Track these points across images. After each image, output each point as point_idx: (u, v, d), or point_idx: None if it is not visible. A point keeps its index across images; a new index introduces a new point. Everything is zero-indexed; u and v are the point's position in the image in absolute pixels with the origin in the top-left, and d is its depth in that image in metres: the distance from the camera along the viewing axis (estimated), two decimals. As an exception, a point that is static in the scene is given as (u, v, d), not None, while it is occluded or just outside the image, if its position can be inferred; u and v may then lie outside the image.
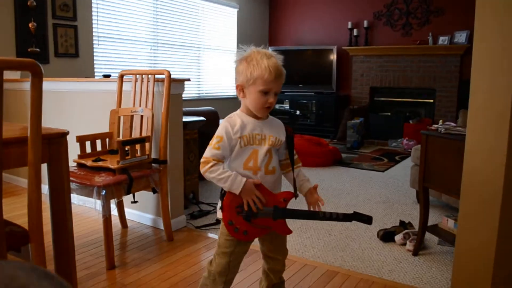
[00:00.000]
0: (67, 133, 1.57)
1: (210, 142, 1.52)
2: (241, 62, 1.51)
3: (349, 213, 1.57)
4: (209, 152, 1.50)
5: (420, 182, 2.47)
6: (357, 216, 1.58)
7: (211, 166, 1.48)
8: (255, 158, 1.52)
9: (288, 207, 1.59)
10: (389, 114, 6.97)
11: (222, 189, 1.55)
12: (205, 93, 6.76)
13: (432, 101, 6.67)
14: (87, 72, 4.81)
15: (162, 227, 2.75)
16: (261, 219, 1.54)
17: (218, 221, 2.99)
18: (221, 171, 1.48)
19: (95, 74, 4.96)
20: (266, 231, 1.57)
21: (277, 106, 7.52)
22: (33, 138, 1.32)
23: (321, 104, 7.23)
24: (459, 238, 1.94)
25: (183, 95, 2.86)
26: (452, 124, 3.63)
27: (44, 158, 1.48)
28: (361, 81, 7.16)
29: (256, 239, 1.67)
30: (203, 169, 1.49)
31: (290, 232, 1.60)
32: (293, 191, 1.62)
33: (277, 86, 1.49)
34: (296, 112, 7.40)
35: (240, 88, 1.52)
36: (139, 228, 2.91)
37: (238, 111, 1.57)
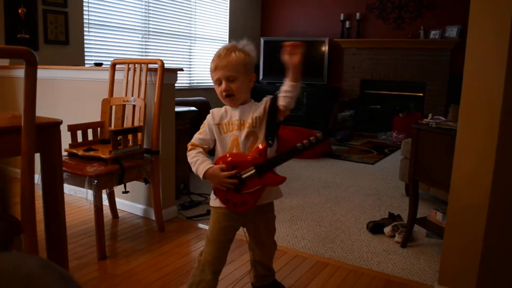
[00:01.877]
0: (61, 122, 1.56)
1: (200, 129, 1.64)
2: None
3: (320, 135, 1.50)
4: (193, 137, 1.62)
5: (410, 175, 2.50)
6: (329, 132, 1.50)
7: (189, 150, 1.60)
8: (236, 144, 1.56)
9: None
10: (379, 107, 7.00)
11: None
12: (196, 82, 6.72)
13: (421, 94, 6.72)
14: (77, 59, 4.75)
15: (153, 218, 2.75)
16: (249, 183, 1.53)
17: (209, 212, 2.99)
18: (193, 155, 1.57)
19: (86, 62, 4.89)
20: (262, 191, 1.56)
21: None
22: (27, 128, 1.31)
23: (312, 96, 7.23)
24: (448, 231, 1.97)
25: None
26: (442, 118, 3.66)
27: (37, 148, 1.46)
28: (352, 74, 7.18)
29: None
30: (187, 152, 1.61)
31: (283, 178, 1.54)
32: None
33: (222, 72, 1.51)
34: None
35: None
36: (130, 218, 2.90)
37: None
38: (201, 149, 1.58)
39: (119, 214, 2.92)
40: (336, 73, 7.38)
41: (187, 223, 2.86)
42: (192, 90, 6.50)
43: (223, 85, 1.52)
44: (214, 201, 1.63)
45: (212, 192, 1.64)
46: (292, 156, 1.50)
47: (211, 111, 1.61)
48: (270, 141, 1.49)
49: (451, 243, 1.97)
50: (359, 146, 6.05)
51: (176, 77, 2.80)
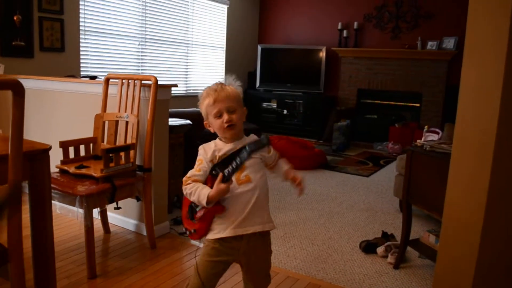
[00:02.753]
0: (49, 148, 1.53)
1: (196, 164, 1.59)
2: (198, 104, 1.62)
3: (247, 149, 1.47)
4: (191, 172, 1.59)
5: (403, 198, 2.49)
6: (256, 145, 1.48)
7: (186, 183, 1.57)
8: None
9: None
10: (375, 116, 7.00)
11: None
12: (193, 89, 6.70)
13: (418, 105, 6.73)
14: (73, 67, 4.72)
15: (145, 233, 2.73)
16: (198, 211, 1.58)
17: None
18: (192, 185, 1.55)
19: (81, 69, 4.87)
20: (210, 217, 1.57)
21: (264, 104, 7.52)
22: (14, 158, 1.29)
23: (308, 104, 7.23)
24: (440, 255, 1.96)
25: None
26: (438, 131, 3.66)
27: (25, 176, 1.45)
28: (349, 83, 7.18)
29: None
30: (183, 186, 1.59)
31: (221, 207, 1.54)
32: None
33: (224, 104, 1.53)
34: (283, 111, 7.41)
35: (208, 124, 1.62)
36: (122, 233, 2.88)
37: (217, 139, 1.63)
38: (199, 182, 1.56)
39: (111, 229, 2.90)
40: (332, 82, 7.38)
41: (179, 239, 2.84)
42: (188, 97, 6.49)
43: (225, 116, 1.53)
44: (211, 234, 1.59)
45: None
46: (229, 177, 1.51)
47: (203, 148, 1.59)
48: (226, 174, 1.51)
49: (444, 267, 1.96)
50: (354, 156, 6.04)
51: (170, 93, 2.78)
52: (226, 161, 1.53)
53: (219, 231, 1.58)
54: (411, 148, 2.43)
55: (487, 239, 1.79)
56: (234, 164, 1.49)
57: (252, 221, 1.57)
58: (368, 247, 2.74)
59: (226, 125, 1.53)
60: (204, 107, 1.58)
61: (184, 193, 1.57)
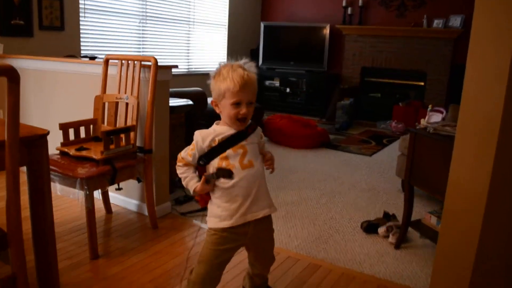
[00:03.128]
0: (47, 133, 1.52)
1: (189, 146, 1.59)
2: (212, 78, 1.54)
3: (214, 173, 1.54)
4: (184, 153, 1.60)
5: (406, 180, 2.48)
6: (220, 173, 1.54)
7: (179, 165, 1.61)
8: (224, 157, 1.54)
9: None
10: (379, 95, 6.94)
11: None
12: (195, 68, 6.64)
13: (422, 84, 6.65)
14: (73, 45, 4.67)
15: (147, 213, 2.75)
16: None
17: (203, 208, 2.98)
18: (183, 170, 1.60)
19: (81, 48, 4.82)
20: (203, 198, 1.63)
21: (267, 82, 7.45)
22: (10, 144, 1.28)
23: (311, 83, 7.17)
24: (442, 237, 1.96)
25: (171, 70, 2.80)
26: (442, 110, 3.61)
27: (23, 161, 1.44)
28: (352, 61, 7.09)
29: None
30: (177, 163, 1.63)
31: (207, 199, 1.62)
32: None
33: (246, 95, 1.49)
34: (286, 89, 7.35)
35: (215, 103, 1.56)
36: (124, 213, 2.90)
37: (214, 124, 1.60)
38: (190, 166, 1.59)
39: (113, 209, 2.91)
40: (336, 60, 7.29)
41: (181, 219, 2.85)
42: (190, 76, 6.43)
43: (244, 109, 1.48)
44: (217, 223, 1.56)
45: (208, 212, 1.62)
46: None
47: (199, 135, 1.55)
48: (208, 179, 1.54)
49: (445, 249, 1.96)
50: (357, 135, 6.01)
51: (171, 73, 2.75)
52: (218, 148, 1.53)
53: (225, 218, 1.54)
54: (414, 130, 2.41)
55: (489, 222, 1.79)
56: (212, 175, 1.52)
57: (260, 205, 1.57)
58: (370, 228, 2.75)
59: (240, 116, 1.49)
60: (223, 87, 1.49)
61: (177, 171, 1.62)
